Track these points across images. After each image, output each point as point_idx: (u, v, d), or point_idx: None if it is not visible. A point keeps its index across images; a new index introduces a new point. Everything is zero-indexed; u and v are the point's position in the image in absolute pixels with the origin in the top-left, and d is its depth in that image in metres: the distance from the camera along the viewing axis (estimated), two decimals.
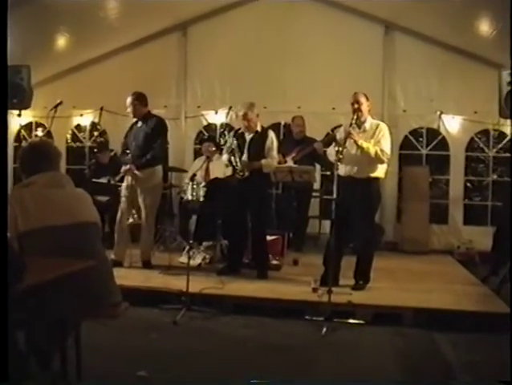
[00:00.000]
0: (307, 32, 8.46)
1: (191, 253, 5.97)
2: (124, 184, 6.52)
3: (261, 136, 6.19)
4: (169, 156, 8.93)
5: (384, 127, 5.63)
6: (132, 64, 8.71)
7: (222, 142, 6.99)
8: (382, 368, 4.06)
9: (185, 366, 3.93)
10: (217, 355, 4.17)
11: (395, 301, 5.31)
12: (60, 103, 6.48)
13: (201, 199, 5.39)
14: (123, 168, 6.49)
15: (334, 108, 8.32)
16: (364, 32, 8.49)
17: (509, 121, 7.62)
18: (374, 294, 5.49)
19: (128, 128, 6.78)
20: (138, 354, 4.01)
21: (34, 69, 7.01)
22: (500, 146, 8.70)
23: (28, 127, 9.36)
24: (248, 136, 6.20)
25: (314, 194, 8.19)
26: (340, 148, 5.16)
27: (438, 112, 8.43)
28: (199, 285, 5.39)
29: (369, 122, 5.63)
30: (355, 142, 5.41)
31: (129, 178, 6.44)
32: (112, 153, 8.43)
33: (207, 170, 7.61)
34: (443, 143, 8.65)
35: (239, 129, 6.28)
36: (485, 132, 8.59)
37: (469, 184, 9.24)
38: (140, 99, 6.47)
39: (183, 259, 6.48)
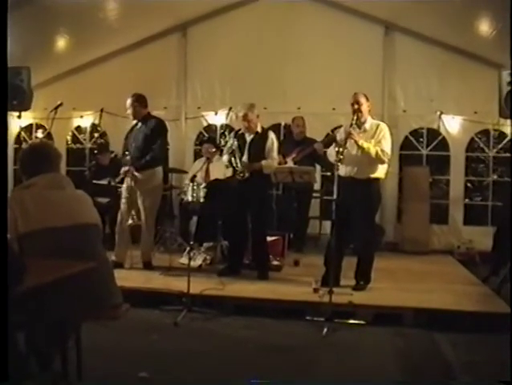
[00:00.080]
0: (307, 33, 8.47)
1: (191, 254, 5.98)
2: (124, 186, 6.52)
3: (261, 137, 6.19)
4: (169, 157, 8.93)
5: (384, 127, 5.64)
6: (132, 65, 8.72)
7: (222, 143, 6.99)
8: (383, 368, 4.06)
9: (186, 367, 3.93)
10: (218, 356, 4.17)
11: (395, 301, 5.31)
12: (60, 105, 6.48)
13: (202, 200, 5.41)
14: (123, 170, 6.50)
15: (334, 109, 8.32)
16: (364, 33, 8.50)
17: (509, 121, 7.61)
18: (375, 295, 5.49)
19: (128, 130, 6.79)
20: (139, 356, 4.02)
21: (35, 70, 7.01)
22: (500, 146, 8.69)
23: (28, 128, 9.36)
24: (248, 137, 6.21)
25: (314, 195, 8.19)
26: (341, 149, 5.16)
27: (438, 112, 8.43)
28: (200, 286, 5.39)
29: (369, 122, 5.63)
30: (356, 142, 5.41)
31: (129, 179, 6.45)
32: (113, 155, 8.43)
33: (207, 171, 7.61)
34: (443, 144, 8.65)
35: (239, 130, 6.28)
36: (486, 132, 8.59)
37: (469, 185, 9.23)
38: (139, 100, 6.47)
39: (183, 260, 6.48)
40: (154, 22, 8.48)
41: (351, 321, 4.94)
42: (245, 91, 8.22)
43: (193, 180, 5.53)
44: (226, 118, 8.92)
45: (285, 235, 7.17)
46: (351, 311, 5.02)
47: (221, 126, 9.11)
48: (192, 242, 6.33)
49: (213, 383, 3.68)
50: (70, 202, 3.30)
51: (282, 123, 8.86)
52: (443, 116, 8.45)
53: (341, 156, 5.14)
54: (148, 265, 6.53)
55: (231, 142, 6.17)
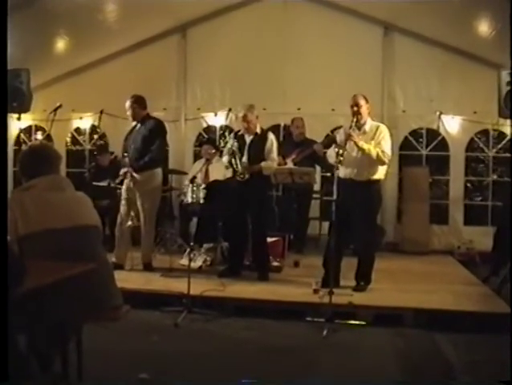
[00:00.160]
0: (306, 34, 8.47)
1: (192, 255, 5.99)
2: (124, 187, 6.52)
3: (260, 138, 6.19)
4: (169, 158, 8.94)
5: (384, 128, 5.64)
6: (131, 67, 8.72)
7: (222, 144, 6.99)
8: (383, 369, 4.06)
9: (187, 368, 3.93)
10: (219, 357, 4.17)
11: (395, 302, 5.31)
12: (60, 107, 6.48)
13: (202, 201, 5.41)
14: (122, 171, 6.51)
15: (333, 109, 8.34)
16: (363, 33, 8.50)
17: (508, 121, 7.61)
18: (375, 295, 5.50)
19: (128, 131, 6.79)
20: (139, 357, 4.01)
21: (34, 72, 7.01)
22: (500, 146, 8.70)
23: (28, 130, 9.35)
24: (248, 138, 6.21)
25: (314, 196, 8.19)
26: (341, 151, 5.15)
27: (438, 113, 8.43)
28: (200, 287, 5.39)
29: (369, 124, 5.62)
30: (356, 144, 5.41)
31: (128, 181, 6.44)
32: (113, 156, 8.43)
33: (206, 172, 7.61)
34: (443, 144, 8.65)
35: (239, 131, 6.29)
36: (485, 132, 8.59)
37: (469, 185, 9.24)
38: (138, 101, 6.48)
39: (184, 261, 6.48)
40: (154, 24, 8.48)
41: (352, 322, 4.94)
42: (244, 92, 8.22)
43: (192, 181, 5.53)
44: (226, 119, 8.92)
45: (285, 236, 7.17)
46: (352, 312, 5.03)
47: (221, 127, 9.11)
48: (192, 243, 6.34)
49: (214, 384, 3.68)
50: (70, 204, 3.30)
51: (282, 124, 8.86)
52: (442, 116, 8.45)
53: (341, 158, 5.13)
54: (148, 267, 6.53)
55: (231, 143, 6.17)
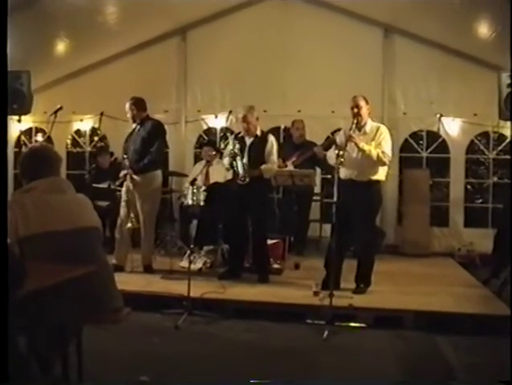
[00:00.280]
0: (306, 36, 8.48)
1: (192, 257, 5.98)
2: (124, 189, 6.52)
3: (261, 141, 6.19)
4: (169, 160, 8.95)
5: (384, 129, 5.64)
6: (132, 69, 8.73)
7: (222, 146, 6.99)
8: (383, 371, 4.05)
9: (187, 370, 3.92)
10: (219, 360, 4.16)
11: (396, 304, 5.30)
12: (60, 109, 6.47)
13: (202, 203, 5.39)
14: (122, 173, 6.51)
15: (333, 112, 8.36)
16: (364, 35, 8.51)
17: (509, 123, 7.61)
18: (375, 297, 5.49)
19: (128, 133, 6.79)
20: (140, 359, 4.01)
21: (34, 74, 7.02)
22: (500, 148, 8.69)
23: (28, 132, 9.35)
24: (248, 140, 6.21)
25: (314, 198, 8.19)
26: (341, 152, 5.15)
27: (438, 115, 8.43)
28: (200, 289, 5.39)
29: (369, 125, 5.63)
30: (357, 145, 5.41)
31: (128, 183, 6.44)
32: (113, 158, 8.43)
33: (207, 174, 7.61)
34: (443, 146, 8.66)
35: (239, 133, 6.28)
36: (485, 135, 8.59)
37: (469, 187, 9.22)
38: (138, 103, 6.49)
39: (184, 264, 6.48)
40: (154, 26, 8.49)
41: (352, 324, 4.94)
42: (244, 94, 8.22)
43: (193, 183, 5.53)
44: (226, 121, 8.92)
45: (285, 238, 7.17)
46: (352, 314, 5.02)
47: (221, 129, 9.11)
48: (192, 246, 6.34)
49: None
50: (70, 206, 3.29)
51: (282, 127, 8.86)
52: (443, 119, 8.45)
53: (341, 159, 5.13)
54: (148, 269, 6.53)
55: (233, 144, 6.15)
